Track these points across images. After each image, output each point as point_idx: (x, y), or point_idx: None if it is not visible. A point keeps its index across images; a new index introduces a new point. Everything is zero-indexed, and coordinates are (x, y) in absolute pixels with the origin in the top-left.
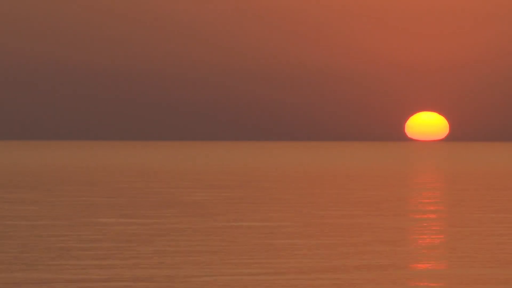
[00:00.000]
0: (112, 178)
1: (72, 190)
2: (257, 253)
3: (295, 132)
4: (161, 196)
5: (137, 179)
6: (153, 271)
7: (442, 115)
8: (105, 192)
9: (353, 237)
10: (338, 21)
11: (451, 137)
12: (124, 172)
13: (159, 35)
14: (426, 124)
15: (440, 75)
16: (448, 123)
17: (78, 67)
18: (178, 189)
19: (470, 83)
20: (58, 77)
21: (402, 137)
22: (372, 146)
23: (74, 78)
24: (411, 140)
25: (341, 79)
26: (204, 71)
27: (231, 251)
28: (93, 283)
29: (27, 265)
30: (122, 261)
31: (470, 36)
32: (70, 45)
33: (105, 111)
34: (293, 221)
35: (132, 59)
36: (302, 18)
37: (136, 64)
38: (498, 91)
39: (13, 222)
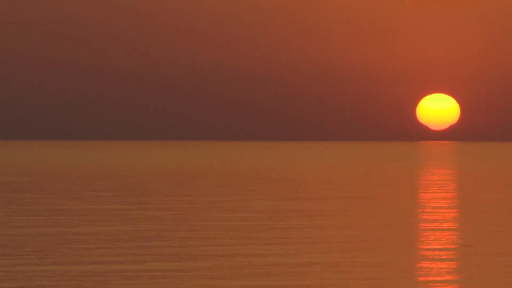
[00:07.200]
0: None
1: None
2: None
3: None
4: None
5: None
6: None
7: (451, 95)
8: None
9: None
10: (338, 21)
11: (463, 120)
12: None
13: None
14: (437, 106)
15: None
16: (459, 105)
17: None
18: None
19: (476, 64)
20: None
21: (414, 123)
22: (400, 147)
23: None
24: (423, 126)
25: (341, 78)
26: (201, 72)
27: None
28: None
29: None
30: None
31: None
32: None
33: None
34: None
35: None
36: (304, 18)
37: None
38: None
39: None
